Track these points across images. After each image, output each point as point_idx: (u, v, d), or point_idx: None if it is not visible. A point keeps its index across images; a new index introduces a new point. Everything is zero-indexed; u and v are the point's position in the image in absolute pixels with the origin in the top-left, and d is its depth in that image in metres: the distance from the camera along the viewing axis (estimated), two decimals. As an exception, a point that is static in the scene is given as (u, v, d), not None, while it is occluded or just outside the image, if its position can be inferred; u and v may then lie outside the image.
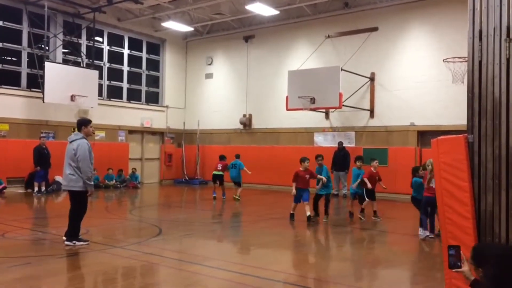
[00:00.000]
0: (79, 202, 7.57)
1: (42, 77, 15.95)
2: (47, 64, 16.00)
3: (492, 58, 4.54)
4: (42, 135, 16.48)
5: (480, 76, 4.62)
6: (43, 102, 15.95)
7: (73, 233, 7.50)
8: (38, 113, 16.78)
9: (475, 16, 4.68)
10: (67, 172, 7.46)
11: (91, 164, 7.49)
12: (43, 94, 15.86)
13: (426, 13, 15.69)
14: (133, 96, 20.62)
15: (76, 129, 7.84)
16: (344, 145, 16.36)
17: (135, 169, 19.42)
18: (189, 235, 8.87)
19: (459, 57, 12.44)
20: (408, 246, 8.50)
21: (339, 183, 16.21)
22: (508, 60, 4.45)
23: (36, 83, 16.69)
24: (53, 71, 16.09)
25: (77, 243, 7.41)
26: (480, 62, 4.62)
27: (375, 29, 16.67)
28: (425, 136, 15.51)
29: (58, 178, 16.39)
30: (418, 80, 15.73)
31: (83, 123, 7.73)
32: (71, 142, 7.58)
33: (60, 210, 12.23)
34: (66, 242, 7.42)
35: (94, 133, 8.16)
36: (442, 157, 4.73)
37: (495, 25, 4.53)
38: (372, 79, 16.67)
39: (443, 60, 13.28)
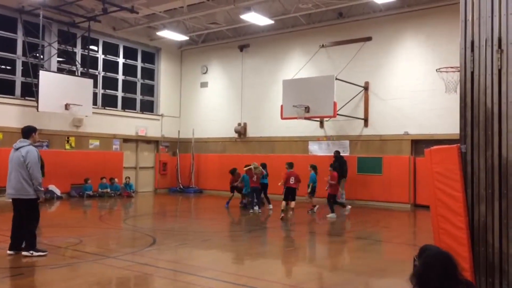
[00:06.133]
0: (31, 210, 7.39)
1: (37, 85, 15.90)
2: (41, 73, 15.96)
3: (484, 69, 4.57)
4: (36, 144, 16.36)
5: (472, 87, 4.64)
6: (37, 110, 15.88)
7: (31, 242, 7.30)
8: (32, 122, 16.48)
9: (467, 27, 4.71)
10: (16, 180, 7.30)
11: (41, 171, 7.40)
12: (38, 102, 15.80)
13: (420, 23, 15.81)
14: (128, 104, 20.59)
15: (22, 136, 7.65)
16: (340, 154, 16.31)
17: (129, 177, 19.33)
18: (183, 244, 8.84)
19: (452, 67, 12.54)
20: (403, 255, 8.49)
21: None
22: (499, 71, 4.48)
23: (30, 91, 16.63)
24: (48, 80, 16.04)
25: (35, 253, 7.24)
26: (472, 73, 4.65)
27: (369, 38, 16.78)
28: (419, 145, 15.57)
29: (51, 187, 16.30)
30: (411, 90, 15.81)
31: (32, 130, 7.65)
32: (17, 149, 7.41)
33: (52, 220, 12.15)
34: (23, 253, 7.25)
35: (38, 141, 8.14)
36: (435, 167, 4.75)
37: (486, 36, 4.57)
38: (366, 88, 16.75)
39: (436, 70, 13.38)
